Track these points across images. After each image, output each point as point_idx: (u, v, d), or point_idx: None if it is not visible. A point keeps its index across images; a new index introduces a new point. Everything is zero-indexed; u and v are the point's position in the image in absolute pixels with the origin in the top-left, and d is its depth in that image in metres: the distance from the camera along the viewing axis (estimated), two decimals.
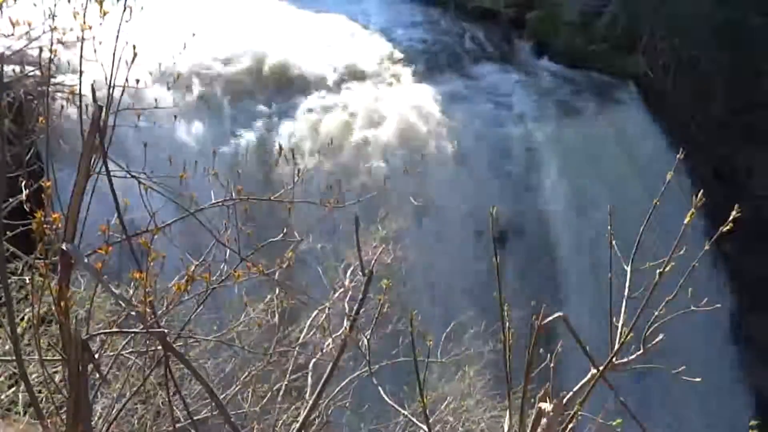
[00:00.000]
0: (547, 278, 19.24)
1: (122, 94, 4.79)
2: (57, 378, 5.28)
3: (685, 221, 4.52)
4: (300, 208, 6.36)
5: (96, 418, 6.34)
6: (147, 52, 5.10)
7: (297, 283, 9.48)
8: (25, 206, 4.74)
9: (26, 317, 6.87)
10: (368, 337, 6.39)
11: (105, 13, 4.47)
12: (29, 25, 4.70)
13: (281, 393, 8.59)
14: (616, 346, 4.66)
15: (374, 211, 11.06)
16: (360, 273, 6.90)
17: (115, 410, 6.46)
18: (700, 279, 4.70)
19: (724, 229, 4.53)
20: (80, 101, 4.68)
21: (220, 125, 17.51)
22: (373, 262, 7.48)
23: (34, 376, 6.10)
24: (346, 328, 7.02)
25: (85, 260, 4.51)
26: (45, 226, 4.34)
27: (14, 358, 5.17)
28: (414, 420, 5.96)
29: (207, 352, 8.88)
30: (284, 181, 6.44)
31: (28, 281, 5.66)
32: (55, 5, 4.68)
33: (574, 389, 4.97)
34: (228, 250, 5.87)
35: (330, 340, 7.87)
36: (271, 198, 6.32)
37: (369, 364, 6.03)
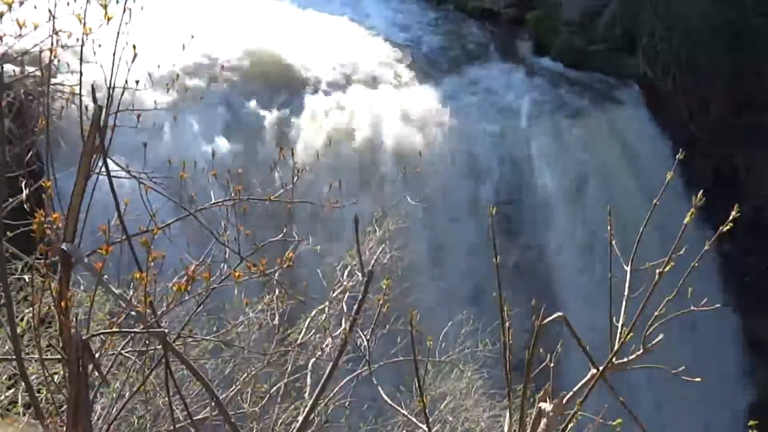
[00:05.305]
0: (543, 277, 19.27)
1: (122, 95, 4.79)
2: (57, 378, 5.28)
3: (685, 221, 4.51)
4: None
5: (96, 418, 6.34)
6: (147, 53, 5.10)
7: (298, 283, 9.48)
8: (25, 206, 4.74)
9: (26, 317, 6.87)
10: (368, 337, 6.39)
11: (109, 19, 4.48)
12: (35, 26, 4.71)
13: (281, 393, 8.59)
14: (616, 346, 4.66)
15: (373, 210, 11.07)
16: (358, 273, 6.90)
17: (115, 410, 6.46)
18: (700, 279, 4.70)
19: (724, 229, 4.53)
20: (80, 101, 4.69)
21: (219, 125, 17.50)
22: (372, 261, 7.49)
23: (34, 376, 6.10)
24: (345, 328, 7.02)
25: (86, 260, 4.52)
26: (45, 226, 4.34)
27: (14, 357, 5.18)
28: (413, 419, 5.97)
29: (207, 353, 8.88)
30: (284, 181, 6.44)
31: (27, 281, 5.67)
32: (55, 6, 4.68)
33: (574, 389, 4.97)
34: (228, 250, 5.87)
35: (329, 340, 7.88)
36: (271, 198, 6.32)
37: (369, 364, 6.04)
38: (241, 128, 17.65)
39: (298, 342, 8.70)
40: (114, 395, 6.72)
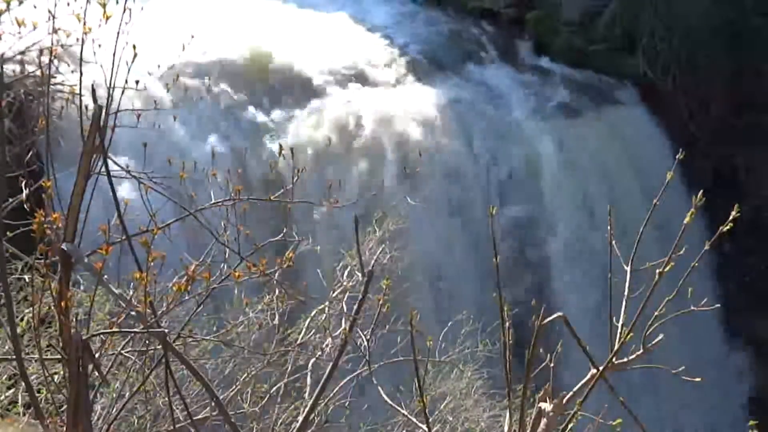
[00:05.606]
0: (542, 278, 19.28)
1: (122, 95, 4.79)
2: (57, 378, 5.28)
3: (685, 221, 4.51)
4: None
5: (96, 418, 6.34)
6: (147, 53, 5.10)
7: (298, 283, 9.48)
8: (25, 206, 4.73)
9: (26, 317, 6.87)
10: (368, 337, 6.39)
11: (108, 18, 4.48)
12: (35, 26, 4.71)
13: (281, 393, 8.60)
14: (616, 346, 4.66)
15: (373, 211, 11.08)
16: (358, 273, 6.90)
17: (115, 410, 6.46)
18: (700, 279, 4.70)
19: (724, 229, 4.53)
20: (80, 101, 4.68)
21: (220, 125, 17.50)
22: (372, 261, 7.48)
23: (34, 376, 6.10)
24: (345, 328, 7.02)
25: (86, 260, 4.52)
26: (45, 226, 4.34)
27: (14, 357, 5.18)
28: (413, 420, 5.97)
29: (207, 353, 8.88)
30: (284, 181, 6.45)
31: (27, 281, 5.66)
32: (55, 6, 4.68)
33: (574, 389, 4.97)
34: (228, 250, 5.87)
35: (329, 340, 7.88)
36: (271, 198, 6.32)
37: (369, 364, 6.04)
38: (241, 128, 17.64)
39: (298, 342, 8.70)
40: (114, 395, 6.72)
